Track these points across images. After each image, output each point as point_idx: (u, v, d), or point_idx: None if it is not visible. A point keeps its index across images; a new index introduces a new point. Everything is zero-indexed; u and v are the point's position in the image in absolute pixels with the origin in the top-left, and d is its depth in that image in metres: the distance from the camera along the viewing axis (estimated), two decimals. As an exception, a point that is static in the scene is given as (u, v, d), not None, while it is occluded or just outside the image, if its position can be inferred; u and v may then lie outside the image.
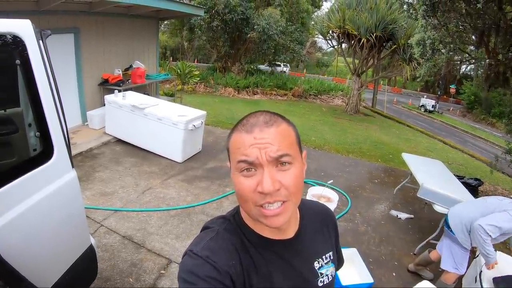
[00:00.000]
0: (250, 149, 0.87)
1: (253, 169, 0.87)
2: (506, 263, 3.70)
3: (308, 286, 1.07)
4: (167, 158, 6.89)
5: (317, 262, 1.11)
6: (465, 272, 3.70)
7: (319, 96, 22.69)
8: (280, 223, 0.90)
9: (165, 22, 30.51)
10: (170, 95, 13.73)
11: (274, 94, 21.05)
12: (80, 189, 2.48)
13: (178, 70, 15.49)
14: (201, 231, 1.06)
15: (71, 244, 2.47)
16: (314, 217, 1.19)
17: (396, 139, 14.39)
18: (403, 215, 5.77)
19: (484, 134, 25.31)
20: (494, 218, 3.27)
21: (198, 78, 17.71)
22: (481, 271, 3.47)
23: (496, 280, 3.22)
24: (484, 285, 3.25)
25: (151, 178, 6.00)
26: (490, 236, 3.18)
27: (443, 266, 3.75)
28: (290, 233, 1.05)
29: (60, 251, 2.33)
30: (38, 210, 2.02)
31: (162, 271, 3.70)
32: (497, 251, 3.89)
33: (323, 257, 1.14)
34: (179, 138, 6.68)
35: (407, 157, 6.64)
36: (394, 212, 5.89)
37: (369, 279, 3.67)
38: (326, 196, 4.44)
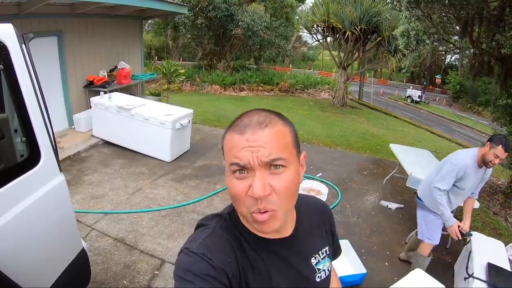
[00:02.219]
0: (242, 152, 0.85)
1: (245, 172, 0.86)
2: (497, 247, 3.78)
3: (306, 282, 1.07)
4: (155, 158, 6.85)
5: (314, 258, 1.11)
6: (439, 243, 3.78)
7: (305, 90, 22.69)
8: (270, 229, 0.90)
9: (149, 22, 30.35)
10: (156, 95, 13.65)
11: (261, 90, 21.03)
12: (69, 193, 2.46)
13: (164, 69, 15.41)
14: (195, 229, 1.06)
15: (62, 249, 2.45)
16: (311, 212, 1.18)
17: (383, 130, 14.49)
18: (393, 205, 5.83)
19: (471, 123, 25.69)
20: (440, 173, 3.47)
21: (184, 77, 17.61)
22: (471, 256, 3.53)
23: (490, 266, 3.27)
24: (475, 269, 3.29)
25: (140, 179, 5.97)
26: (444, 192, 3.40)
27: (418, 236, 3.88)
28: (287, 232, 1.04)
29: (52, 257, 2.31)
30: (26, 216, 2.00)
31: (156, 272, 3.69)
32: (488, 237, 3.99)
33: (320, 252, 1.14)
34: (167, 137, 6.65)
35: (395, 147, 6.72)
36: (384, 203, 5.94)
37: (362, 270, 3.71)
38: (316, 189, 4.47)
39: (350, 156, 8.62)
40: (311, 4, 19.91)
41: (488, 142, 3.27)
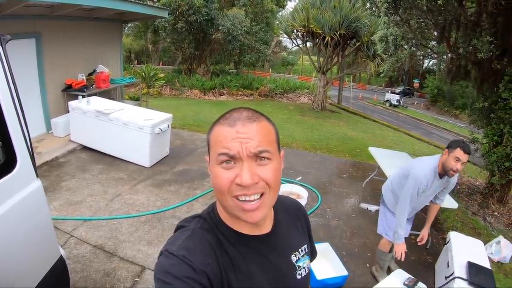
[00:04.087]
0: (232, 142, 0.88)
1: (232, 162, 0.89)
2: (477, 246, 3.87)
3: (287, 279, 1.08)
4: (134, 164, 6.77)
5: (293, 255, 1.13)
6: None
7: (285, 94, 22.82)
8: (258, 218, 0.91)
9: (129, 25, 30.00)
10: (136, 99, 13.51)
11: (241, 95, 21.04)
12: (46, 199, 2.41)
13: (143, 74, 15.30)
14: (175, 231, 1.06)
15: (40, 257, 2.40)
16: (287, 211, 1.21)
17: (362, 134, 14.65)
18: (373, 208, 5.89)
19: (448, 125, 26.31)
20: (403, 192, 3.42)
21: (164, 81, 17.56)
22: (452, 255, 3.61)
23: (470, 264, 3.34)
24: (456, 268, 3.36)
25: (119, 185, 5.90)
26: (406, 211, 3.38)
27: (378, 231, 3.93)
28: (266, 229, 1.06)
29: (29, 265, 2.26)
30: (1, 224, 1.95)
31: (136, 279, 3.64)
32: (466, 236, 4.09)
33: (299, 250, 1.16)
34: (146, 142, 6.59)
35: (374, 150, 6.81)
36: (364, 205, 6.01)
37: (343, 272, 3.74)
38: (296, 193, 4.49)
39: (329, 159, 8.68)
40: (291, 9, 20.09)
41: (446, 149, 3.21)
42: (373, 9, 6.98)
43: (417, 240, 3.75)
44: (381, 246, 3.92)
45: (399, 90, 37.63)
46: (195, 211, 5.22)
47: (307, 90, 24.06)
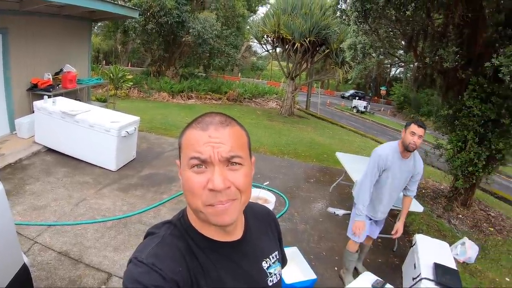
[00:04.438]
0: (204, 146, 0.89)
1: (203, 166, 0.90)
2: (442, 248, 4.02)
3: (258, 286, 1.09)
4: (100, 167, 6.65)
5: (265, 262, 1.14)
6: (363, 241, 3.94)
7: (253, 99, 22.86)
8: (228, 220, 0.92)
9: (99, 24, 29.41)
10: (103, 101, 13.24)
11: (209, 98, 20.90)
12: (8, 204, 2.36)
13: (111, 75, 15.01)
14: (144, 237, 1.05)
15: (2, 265, 2.34)
16: (257, 218, 1.22)
17: (330, 139, 14.84)
18: (340, 212, 6.02)
19: (414, 132, 26.91)
20: (365, 168, 3.70)
21: (132, 83, 17.24)
22: (418, 257, 3.74)
23: (436, 265, 3.46)
24: (423, 270, 3.48)
25: (84, 189, 5.78)
26: (367, 186, 3.57)
27: (347, 233, 4.03)
28: (237, 235, 1.07)
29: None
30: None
31: (103, 286, 3.59)
32: (432, 238, 4.25)
33: (270, 256, 1.17)
34: (112, 145, 6.49)
35: (341, 156, 6.96)
36: (331, 209, 6.13)
37: (312, 276, 3.80)
38: (263, 197, 4.54)
39: (297, 164, 8.80)
40: (262, 15, 20.17)
41: (403, 129, 3.46)
42: (343, 17, 7.14)
43: (392, 233, 3.81)
44: (349, 246, 4.03)
45: (348, 94, 38.76)
46: (162, 216, 5.19)
47: (275, 95, 24.19)
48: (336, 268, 4.48)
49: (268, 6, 28.39)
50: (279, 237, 1.31)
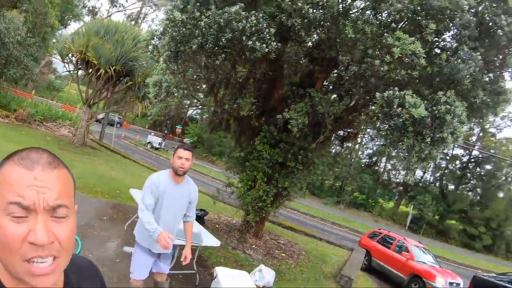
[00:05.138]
0: (28, 190, 0.74)
1: (24, 214, 0.74)
2: (242, 277, 4.21)
3: None
4: None
5: None
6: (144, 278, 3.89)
7: (44, 123, 20.43)
8: (49, 283, 0.78)
9: None
10: None
11: (-6, 115, 17.81)
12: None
13: None
14: None
15: None
16: (80, 273, 1.05)
17: (122, 173, 14.49)
18: (136, 250, 5.80)
19: (206, 170, 28.59)
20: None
21: None
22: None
23: None
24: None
25: None
26: (146, 210, 3.57)
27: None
28: None
29: None
30: None
31: None
32: (231, 269, 4.42)
33: None
34: None
35: (134, 192, 6.87)
36: (127, 249, 5.85)
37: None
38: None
39: (88, 200, 8.22)
40: (73, 31, 18.75)
41: (172, 155, 3.70)
42: (155, 53, 7.21)
43: (181, 260, 3.76)
44: (132, 285, 3.84)
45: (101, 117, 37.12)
46: None
47: (69, 122, 22.36)
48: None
49: (82, 23, 26.60)
50: None
